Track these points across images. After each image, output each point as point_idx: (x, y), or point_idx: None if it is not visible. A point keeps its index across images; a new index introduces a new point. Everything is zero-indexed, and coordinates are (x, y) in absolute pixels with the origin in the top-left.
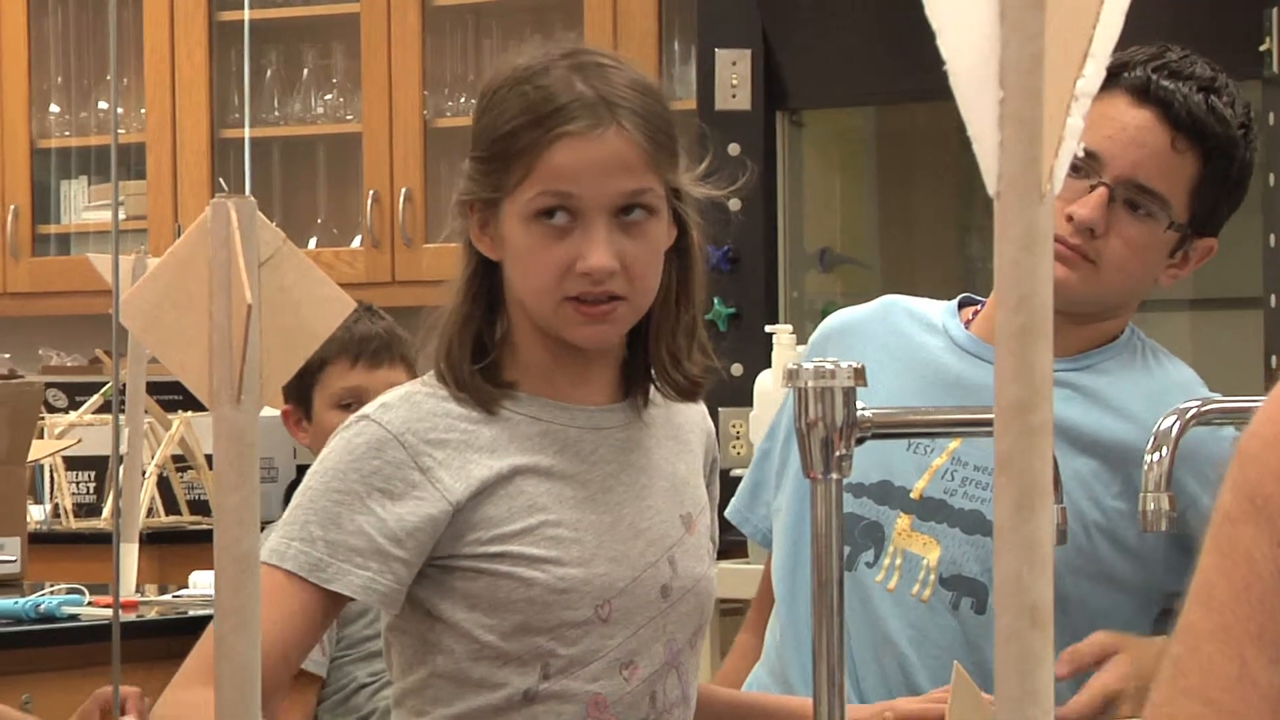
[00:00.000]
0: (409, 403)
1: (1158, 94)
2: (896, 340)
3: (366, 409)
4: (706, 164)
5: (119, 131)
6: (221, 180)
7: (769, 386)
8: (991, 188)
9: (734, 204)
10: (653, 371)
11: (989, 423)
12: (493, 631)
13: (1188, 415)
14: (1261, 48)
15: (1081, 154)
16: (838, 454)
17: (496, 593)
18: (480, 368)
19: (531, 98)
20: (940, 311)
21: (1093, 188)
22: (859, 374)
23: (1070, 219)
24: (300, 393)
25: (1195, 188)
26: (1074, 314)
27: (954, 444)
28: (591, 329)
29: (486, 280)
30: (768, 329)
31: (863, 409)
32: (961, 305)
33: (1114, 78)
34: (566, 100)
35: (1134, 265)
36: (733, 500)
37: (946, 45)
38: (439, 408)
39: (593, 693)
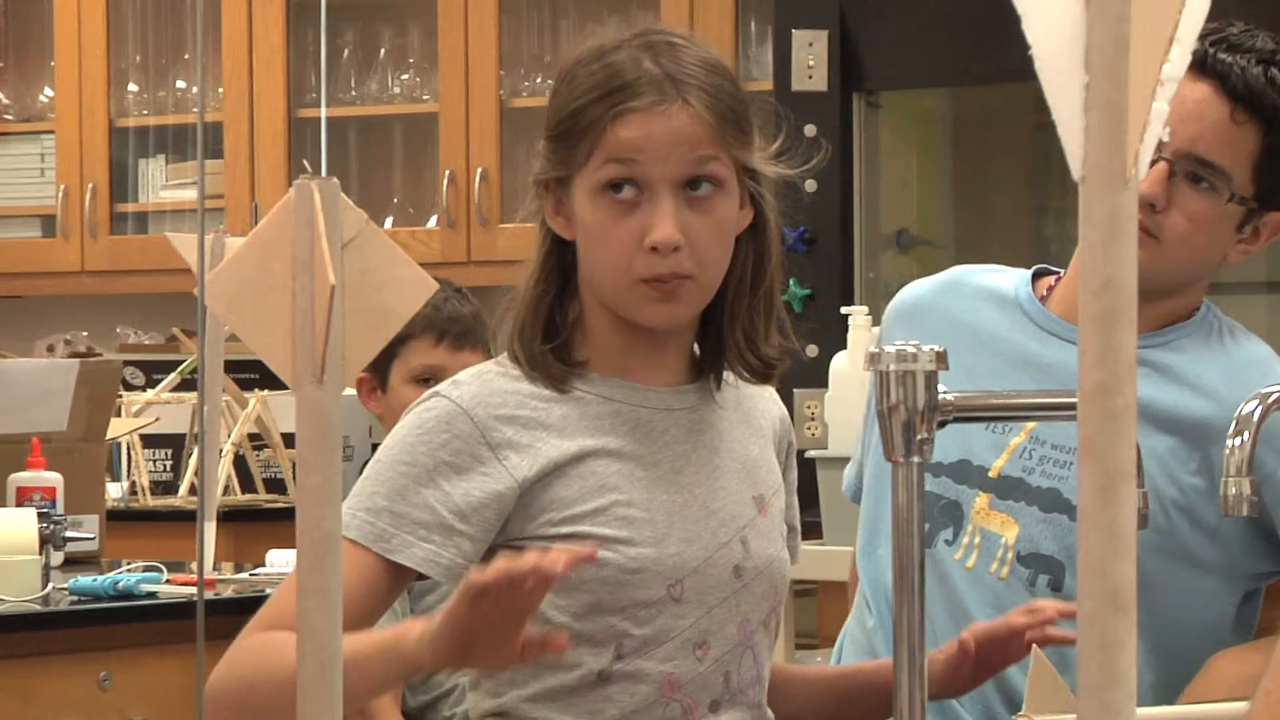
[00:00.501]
0: (480, 379)
1: (1215, 66)
2: (969, 317)
3: (439, 386)
4: (779, 143)
5: (197, 111)
6: (306, 163)
7: (845, 368)
8: (1076, 172)
9: (810, 185)
10: (726, 353)
11: (1071, 406)
12: (565, 612)
13: (1270, 399)
14: None
15: None
16: (919, 438)
17: (569, 573)
18: (552, 347)
19: (599, 75)
20: (1014, 283)
21: (1153, 162)
22: (941, 358)
23: None
24: (378, 362)
25: (1258, 160)
26: (1142, 290)
27: (1032, 423)
28: (661, 307)
29: (560, 261)
30: (843, 310)
31: (944, 393)
32: (1037, 275)
33: None
34: (633, 77)
35: (1197, 239)
36: (847, 474)
37: (1032, 29)
38: (511, 386)
39: (666, 672)
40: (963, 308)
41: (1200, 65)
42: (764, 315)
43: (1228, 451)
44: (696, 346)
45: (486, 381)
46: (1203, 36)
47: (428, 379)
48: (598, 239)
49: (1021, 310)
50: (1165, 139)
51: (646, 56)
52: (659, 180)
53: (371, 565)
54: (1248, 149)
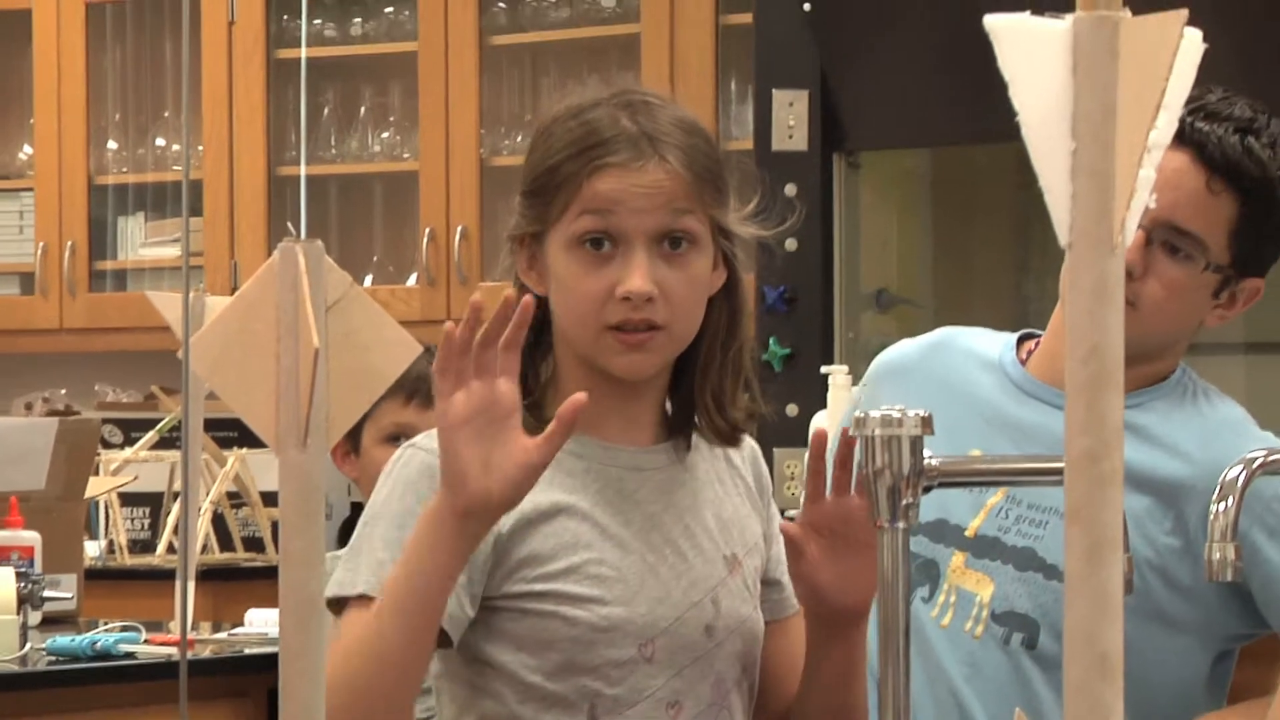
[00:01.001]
0: None
1: (1193, 135)
2: (953, 377)
3: (414, 440)
4: (756, 203)
5: (175, 168)
6: (290, 224)
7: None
8: (1063, 238)
9: (790, 244)
10: (696, 414)
11: (1054, 470)
12: (537, 672)
13: (1255, 465)
14: None
15: None
16: (904, 502)
17: (541, 633)
18: (526, 404)
19: (577, 132)
20: (999, 347)
21: None
22: (926, 423)
23: None
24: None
25: (1234, 229)
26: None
27: None
28: (630, 358)
29: (534, 317)
30: (823, 370)
31: (929, 457)
32: (1021, 340)
33: None
34: (610, 134)
35: (1173, 307)
36: None
37: (1019, 95)
38: None
39: None
40: (947, 368)
41: (1178, 134)
42: (733, 377)
43: (1212, 517)
44: (669, 405)
45: None
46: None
47: (398, 438)
48: (570, 290)
49: (1004, 373)
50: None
51: (624, 115)
52: (634, 233)
53: None
54: (1224, 217)
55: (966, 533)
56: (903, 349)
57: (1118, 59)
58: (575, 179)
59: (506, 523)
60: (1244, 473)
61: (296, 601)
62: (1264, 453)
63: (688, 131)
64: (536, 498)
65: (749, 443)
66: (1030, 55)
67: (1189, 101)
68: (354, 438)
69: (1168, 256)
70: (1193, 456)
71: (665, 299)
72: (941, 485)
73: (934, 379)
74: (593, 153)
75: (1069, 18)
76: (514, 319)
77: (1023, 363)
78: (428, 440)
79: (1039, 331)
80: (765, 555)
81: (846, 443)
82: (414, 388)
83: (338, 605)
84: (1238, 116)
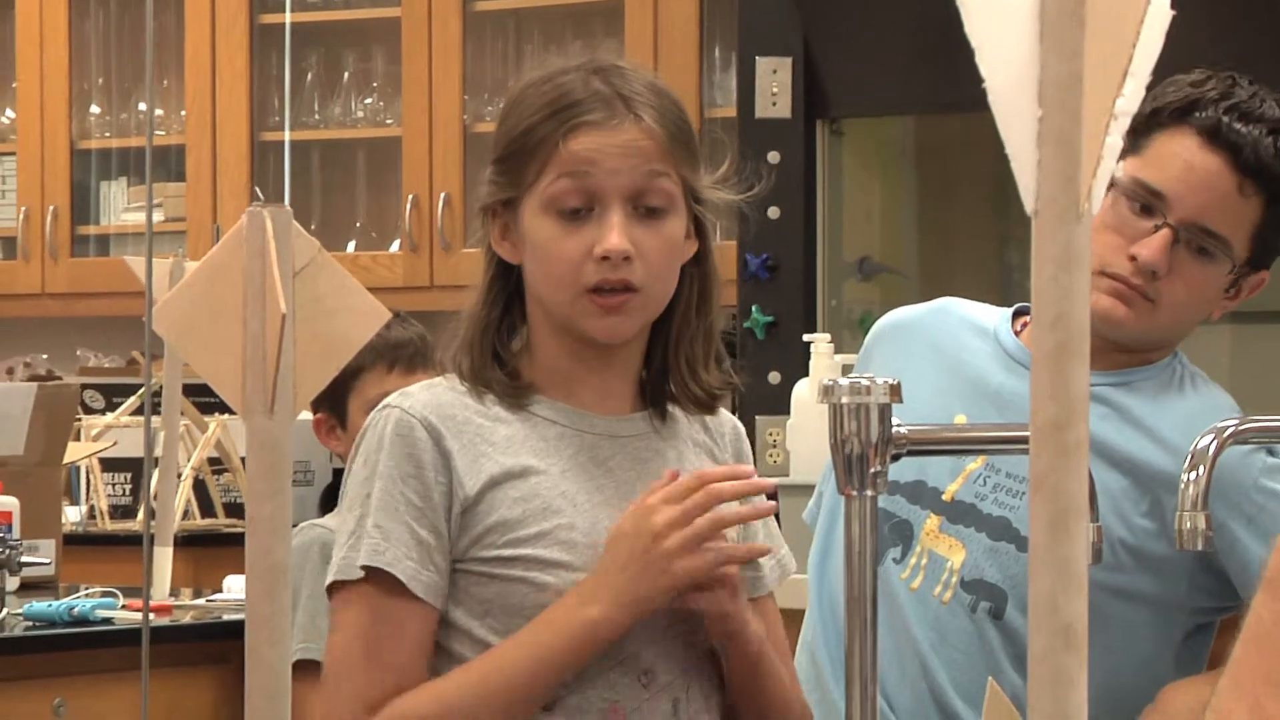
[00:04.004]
0: (430, 390)
1: (1229, 138)
2: (947, 341)
3: (389, 399)
4: (726, 169)
5: (158, 133)
6: (258, 189)
7: (806, 395)
8: (1030, 206)
9: (773, 212)
10: (671, 382)
11: (1024, 440)
12: (505, 637)
13: (1225, 434)
14: None
15: (1147, 192)
16: (872, 470)
17: (510, 597)
18: (500, 369)
19: (550, 94)
20: (996, 317)
21: (1157, 228)
22: (894, 390)
23: (1133, 259)
24: (334, 401)
25: (1257, 229)
26: (1127, 347)
27: None
28: (607, 321)
29: (506, 286)
30: (806, 338)
31: (898, 425)
32: (1018, 314)
33: (1184, 115)
34: (583, 95)
35: (1192, 304)
36: (809, 504)
37: (985, 63)
38: (459, 400)
39: (611, 700)
40: (942, 331)
41: (1214, 134)
42: (706, 345)
43: (1183, 485)
44: (645, 375)
45: (436, 393)
46: (1215, 102)
47: None
48: (547, 253)
49: (997, 340)
50: (1171, 204)
51: (596, 78)
52: (611, 192)
53: (409, 611)
54: (1250, 219)
55: (944, 496)
56: (902, 311)
57: (1084, 26)
58: (550, 140)
59: (474, 485)
60: (1214, 441)
61: (264, 568)
62: (1234, 422)
63: (658, 94)
64: (506, 462)
65: (731, 420)
66: (997, 22)
67: (1223, 98)
68: (339, 412)
69: (1193, 257)
70: (1174, 444)
71: (641, 259)
72: (910, 453)
73: (927, 340)
74: (567, 113)
75: None
76: None
77: (1018, 334)
78: (400, 399)
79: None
80: (740, 534)
81: None
82: (394, 356)
83: (333, 588)
84: (1270, 117)
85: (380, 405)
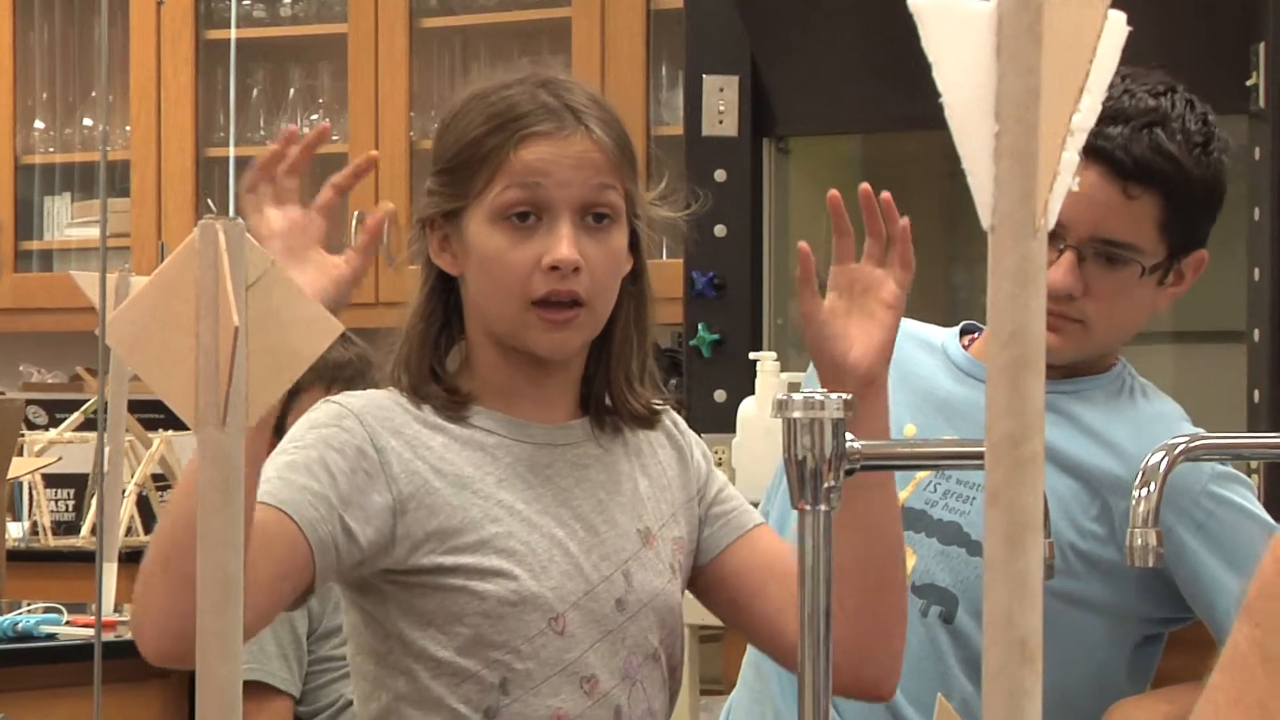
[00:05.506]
0: (369, 396)
1: (1098, 145)
2: (896, 356)
3: (331, 396)
4: (666, 184)
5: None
6: (209, 201)
7: (752, 413)
8: (986, 221)
9: (720, 230)
10: (613, 396)
11: (978, 455)
12: (447, 647)
13: (1176, 451)
14: (1248, 82)
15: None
16: (826, 485)
17: (450, 606)
18: (437, 381)
19: (498, 106)
20: (943, 335)
21: (1060, 252)
22: (848, 405)
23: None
24: (275, 420)
25: (1162, 223)
26: (1075, 365)
27: None
28: (553, 336)
29: (443, 299)
30: (752, 356)
31: (851, 441)
32: (964, 332)
33: None
34: (532, 107)
35: (1121, 312)
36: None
37: (942, 77)
38: (398, 408)
39: (555, 708)
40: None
41: (1085, 146)
42: (642, 361)
43: (1134, 501)
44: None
45: (376, 399)
46: None
47: None
48: (494, 263)
49: (945, 354)
50: (1067, 228)
51: (542, 91)
52: (560, 203)
53: (280, 526)
54: (1150, 216)
55: None
56: None
57: (1041, 41)
58: (500, 151)
59: (409, 485)
60: (1165, 459)
61: (215, 582)
62: (1185, 439)
63: (601, 107)
64: (444, 469)
65: (668, 414)
66: (954, 37)
67: None
68: (279, 431)
69: (1104, 268)
70: (1124, 450)
71: (589, 272)
72: (865, 468)
73: None
74: (516, 124)
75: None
76: (353, 169)
77: (965, 349)
78: (341, 396)
79: (981, 325)
80: (696, 515)
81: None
82: (333, 376)
83: None
84: (1141, 110)
85: (323, 400)
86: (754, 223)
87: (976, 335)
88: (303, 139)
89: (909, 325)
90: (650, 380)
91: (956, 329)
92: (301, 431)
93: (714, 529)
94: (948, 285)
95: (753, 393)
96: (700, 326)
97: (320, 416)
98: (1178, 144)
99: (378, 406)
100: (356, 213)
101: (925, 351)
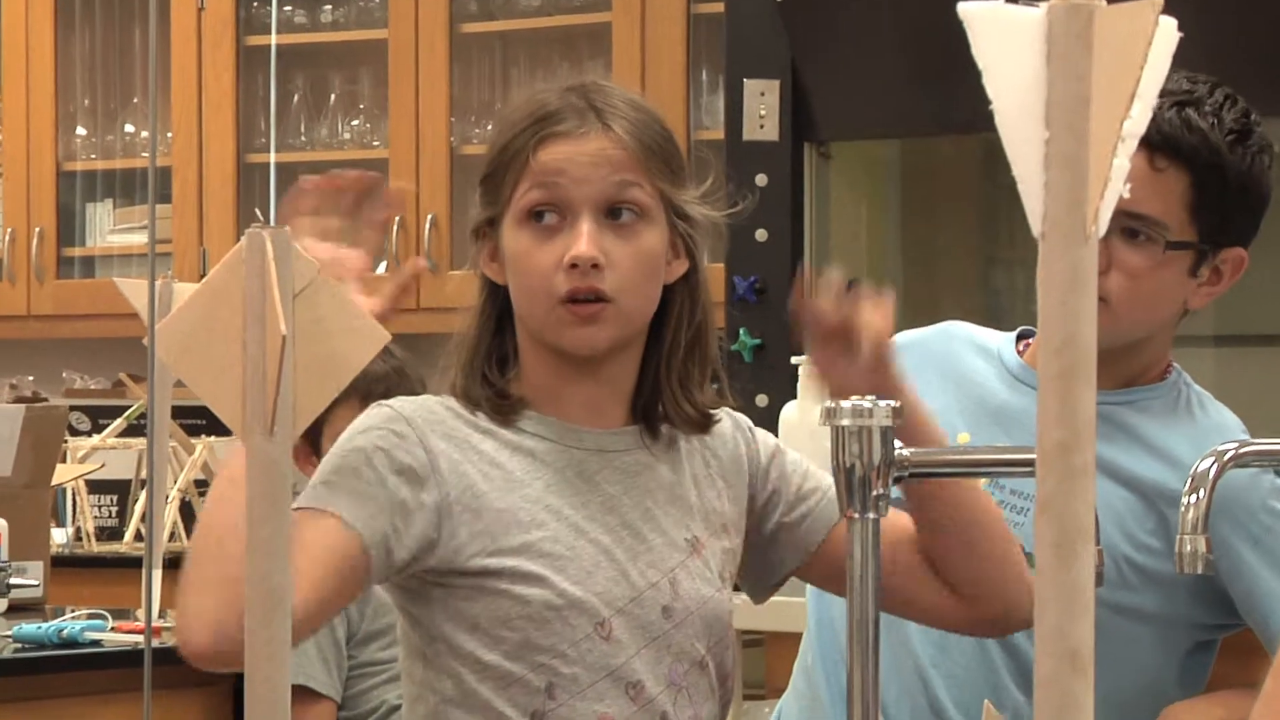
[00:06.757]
0: (419, 401)
1: None
2: (952, 361)
3: (381, 401)
4: (710, 184)
5: (144, 155)
6: (258, 211)
7: (794, 418)
8: (1036, 228)
9: (761, 235)
10: (664, 403)
11: (1029, 463)
12: (494, 651)
13: (1225, 457)
14: None
15: None
16: (875, 493)
17: (496, 611)
18: (491, 387)
19: (526, 110)
20: (999, 339)
21: None
22: (896, 413)
23: None
24: (310, 430)
25: (1191, 203)
26: (1102, 352)
27: None
28: (580, 331)
29: (497, 307)
30: (794, 360)
31: (900, 448)
32: (1021, 337)
33: None
34: (556, 108)
35: (1145, 292)
36: None
37: (992, 84)
38: (448, 413)
39: (600, 713)
40: (945, 351)
41: None
42: (699, 365)
43: (1183, 509)
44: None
45: (427, 404)
46: None
47: None
48: (522, 264)
49: (1000, 360)
50: None
51: (573, 93)
52: (579, 202)
53: (324, 527)
54: (1177, 192)
55: None
56: (907, 333)
57: (1092, 48)
58: (523, 153)
59: (457, 485)
60: (1215, 465)
61: (262, 591)
62: (1235, 445)
63: (637, 108)
64: (492, 472)
65: (729, 418)
66: (1004, 43)
67: None
68: (314, 442)
69: (1128, 244)
70: (1182, 463)
71: (613, 269)
72: (913, 476)
73: (930, 360)
74: (539, 125)
75: (1043, 6)
76: (365, 188)
77: (1021, 355)
78: (394, 401)
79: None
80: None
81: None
82: (367, 389)
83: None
84: (1172, 90)
85: (373, 404)
86: (795, 227)
87: (1032, 340)
88: (354, 178)
89: (964, 329)
90: (713, 383)
91: (1014, 334)
92: (354, 435)
93: (802, 524)
94: (986, 289)
95: (794, 397)
96: (742, 331)
97: (372, 420)
98: (1210, 124)
99: (429, 410)
100: (397, 218)
101: (981, 357)
